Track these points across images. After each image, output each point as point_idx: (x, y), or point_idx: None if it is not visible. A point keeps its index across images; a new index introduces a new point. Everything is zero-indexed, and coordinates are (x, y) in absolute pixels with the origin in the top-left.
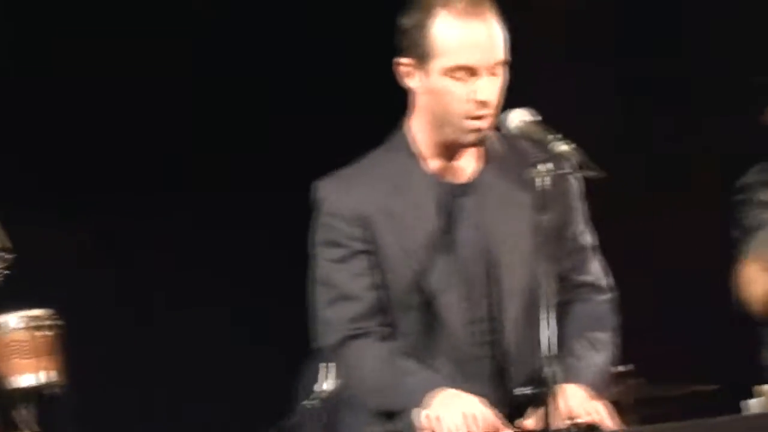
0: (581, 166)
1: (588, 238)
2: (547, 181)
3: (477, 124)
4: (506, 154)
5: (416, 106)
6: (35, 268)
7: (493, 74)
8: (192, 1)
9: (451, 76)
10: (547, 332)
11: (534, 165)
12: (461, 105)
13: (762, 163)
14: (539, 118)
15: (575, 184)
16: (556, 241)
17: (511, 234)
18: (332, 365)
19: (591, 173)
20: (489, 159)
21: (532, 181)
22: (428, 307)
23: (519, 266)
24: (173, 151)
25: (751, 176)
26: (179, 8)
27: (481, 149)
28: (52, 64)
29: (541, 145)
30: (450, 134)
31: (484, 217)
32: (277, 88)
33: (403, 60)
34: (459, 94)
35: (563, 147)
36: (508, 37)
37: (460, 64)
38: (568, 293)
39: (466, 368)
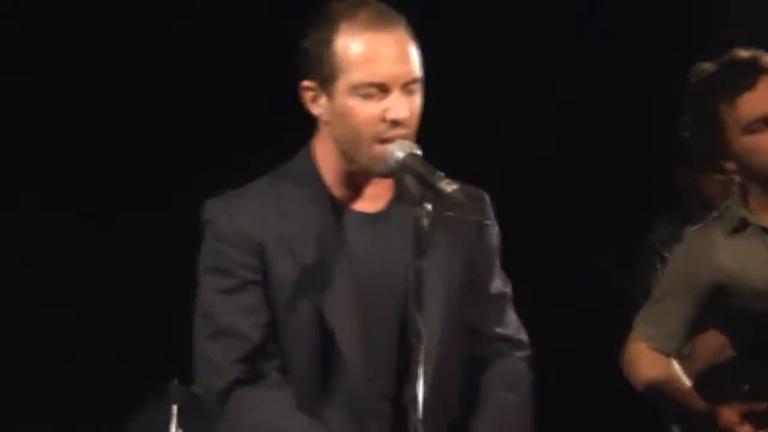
0: (466, 210)
1: (504, 287)
2: (426, 223)
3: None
4: (414, 188)
5: (322, 134)
6: None
7: (408, 92)
8: None
9: (360, 95)
10: (421, 390)
11: (417, 204)
12: (371, 126)
13: (664, 213)
14: (420, 152)
15: (494, 229)
16: (469, 289)
17: (429, 268)
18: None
19: (475, 218)
20: (399, 190)
21: (442, 220)
22: (325, 349)
23: (431, 310)
24: None
25: (658, 231)
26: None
27: (389, 180)
28: None
29: (426, 182)
30: (361, 162)
31: (395, 252)
32: None
33: (306, 83)
34: (369, 114)
35: (448, 188)
36: (420, 53)
37: (369, 80)
38: (483, 347)
39: (363, 423)
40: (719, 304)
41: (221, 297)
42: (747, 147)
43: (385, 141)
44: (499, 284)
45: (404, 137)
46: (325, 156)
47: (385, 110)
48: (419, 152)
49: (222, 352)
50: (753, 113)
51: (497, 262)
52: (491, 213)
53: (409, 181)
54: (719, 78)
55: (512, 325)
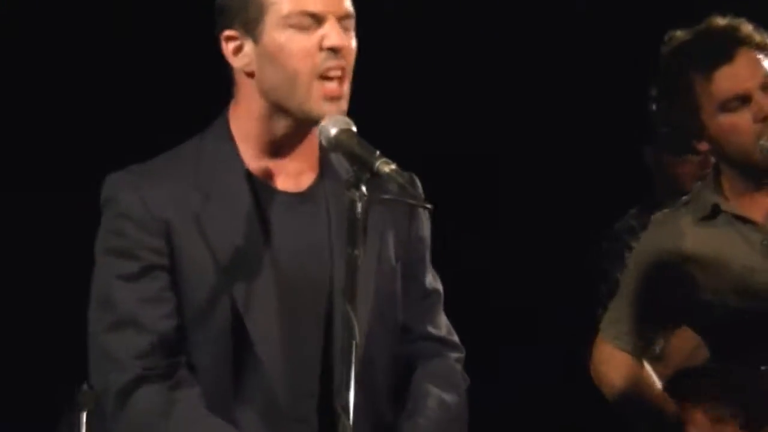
0: (405, 193)
1: (436, 283)
2: (361, 207)
3: (331, 86)
4: (342, 168)
5: (241, 98)
6: None
7: (343, 28)
8: None
9: (292, 26)
10: (351, 393)
11: (351, 186)
12: (308, 58)
13: (638, 206)
14: (355, 128)
15: (425, 216)
16: (402, 282)
17: (364, 256)
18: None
19: (415, 202)
20: (325, 169)
21: (376, 205)
22: (240, 345)
23: (361, 301)
24: None
25: (625, 219)
26: None
27: (314, 157)
28: None
29: (362, 162)
30: (299, 108)
31: (320, 238)
32: None
33: (228, 32)
34: (304, 45)
35: (386, 168)
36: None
37: (301, 8)
38: (414, 346)
39: (282, 427)
40: (689, 299)
41: (122, 283)
42: (722, 127)
43: (324, 77)
44: (431, 280)
45: (343, 72)
46: (244, 126)
47: (322, 38)
48: (353, 128)
49: (122, 346)
50: (730, 89)
51: (429, 254)
52: (423, 197)
53: (335, 158)
54: (694, 48)
55: (444, 325)
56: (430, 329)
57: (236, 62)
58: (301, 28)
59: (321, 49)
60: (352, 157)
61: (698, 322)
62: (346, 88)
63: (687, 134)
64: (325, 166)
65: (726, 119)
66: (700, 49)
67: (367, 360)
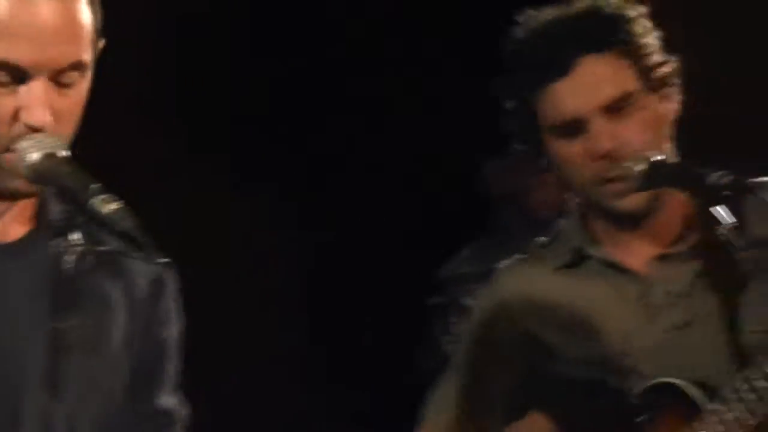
0: (134, 241)
1: (176, 405)
2: (71, 261)
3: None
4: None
5: None
6: None
7: (61, 84)
8: None
9: None
10: None
11: (58, 234)
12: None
13: (471, 246)
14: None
15: (173, 286)
16: (131, 385)
17: (78, 332)
18: None
19: (145, 256)
20: (42, 214)
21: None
22: None
23: (69, 399)
24: None
25: (455, 267)
26: None
27: (29, 207)
28: None
29: (73, 198)
30: None
31: (28, 306)
32: None
33: None
34: None
35: (105, 207)
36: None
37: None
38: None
39: None
40: (542, 375)
41: None
42: (557, 156)
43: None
44: (167, 398)
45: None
46: None
47: (19, 108)
48: (66, 153)
49: None
50: (558, 113)
51: (174, 358)
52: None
53: (55, 202)
54: (528, 49)
55: (174, 398)
56: (157, 403)
57: None
58: None
59: (16, 119)
60: (62, 192)
61: (555, 407)
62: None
63: (534, 152)
64: (42, 211)
65: (560, 148)
66: (533, 52)
67: None
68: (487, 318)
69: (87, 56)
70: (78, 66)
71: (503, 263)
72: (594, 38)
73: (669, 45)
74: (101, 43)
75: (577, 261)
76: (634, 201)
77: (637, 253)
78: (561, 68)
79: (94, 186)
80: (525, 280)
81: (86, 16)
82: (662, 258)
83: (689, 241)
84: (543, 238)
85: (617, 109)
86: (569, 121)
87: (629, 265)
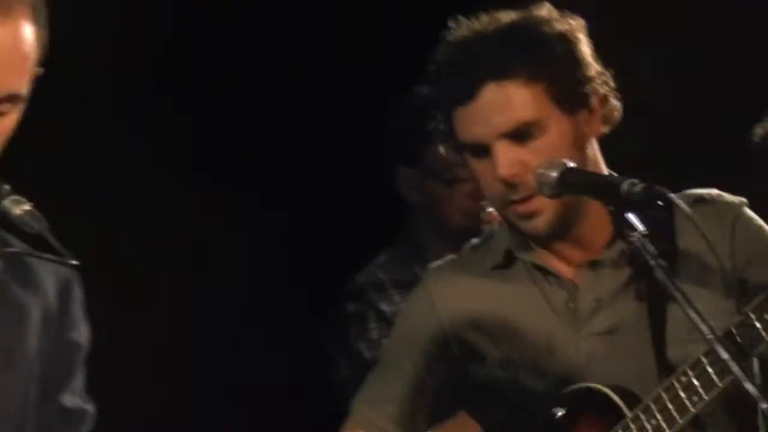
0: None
1: (85, 403)
2: None
3: None
4: None
5: None
6: None
7: None
8: None
9: None
10: None
11: None
12: None
13: (388, 251)
14: None
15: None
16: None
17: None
18: None
19: (55, 258)
20: None
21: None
22: None
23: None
24: None
25: (373, 272)
26: None
27: None
28: None
29: None
30: None
31: None
32: None
33: None
34: None
35: (17, 209)
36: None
37: None
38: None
39: None
40: (470, 375)
41: None
42: (470, 168)
43: None
44: (77, 398)
45: None
46: None
47: None
48: None
49: None
50: (466, 134)
51: (84, 352)
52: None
53: None
54: (446, 67)
55: (83, 395)
56: (69, 401)
57: None
58: None
59: None
60: None
61: (482, 408)
62: None
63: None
64: None
65: (472, 164)
66: (447, 74)
67: None
68: (415, 315)
69: (24, 90)
70: (13, 99)
71: (434, 263)
72: (499, 66)
73: (605, 57)
74: (39, 72)
75: (507, 263)
76: (538, 224)
77: (567, 259)
78: (466, 93)
79: (5, 188)
80: (454, 281)
81: (30, 47)
82: (592, 264)
83: (619, 248)
84: (475, 240)
85: (519, 136)
86: (473, 144)
87: (558, 270)
